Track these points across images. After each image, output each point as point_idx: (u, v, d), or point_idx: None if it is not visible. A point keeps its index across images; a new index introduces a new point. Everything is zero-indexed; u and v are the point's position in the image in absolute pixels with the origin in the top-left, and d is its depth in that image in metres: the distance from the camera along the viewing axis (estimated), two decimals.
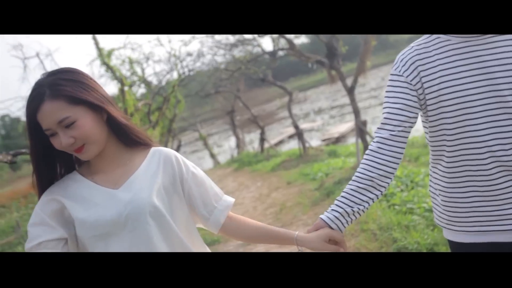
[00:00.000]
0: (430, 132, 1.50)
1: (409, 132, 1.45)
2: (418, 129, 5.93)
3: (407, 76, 1.44)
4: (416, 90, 1.43)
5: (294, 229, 4.98)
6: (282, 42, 9.64)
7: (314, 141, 15.89)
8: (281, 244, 1.55)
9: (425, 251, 3.13)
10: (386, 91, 1.50)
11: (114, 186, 1.30)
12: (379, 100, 21.51)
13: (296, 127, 11.74)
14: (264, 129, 15.05)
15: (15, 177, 24.65)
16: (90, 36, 7.94)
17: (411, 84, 1.43)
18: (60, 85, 1.21)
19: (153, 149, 1.40)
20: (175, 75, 12.37)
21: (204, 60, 13.48)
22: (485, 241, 1.44)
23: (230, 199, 1.46)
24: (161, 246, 1.26)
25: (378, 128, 1.48)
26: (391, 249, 3.41)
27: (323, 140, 16.18)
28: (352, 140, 13.60)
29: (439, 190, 1.53)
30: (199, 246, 1.40)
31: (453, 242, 1.53)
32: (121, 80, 7.29)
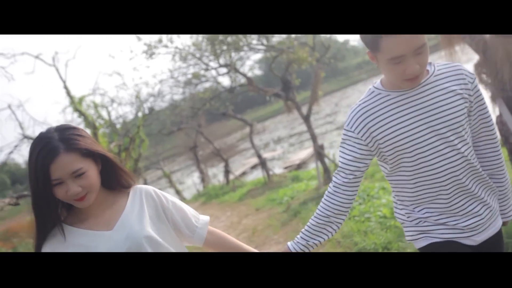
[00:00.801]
0: (389, 170, 1.70)
1: (361, 177, 1.67)
2: None
3: (358, 133, 1.62)
4: (366, 145, 1.62)
5: (268, 248, 5.42)
6: (239, 77, 10.25)
7: (276, 170, 16.21)
8: None
9: (380, 249, 3.69)
10: (341, 143, 1.70)
11: (107, 228, 1.43)
12: (335, 125, 22.31)
13: (259, 156, 12.16)
14: (228, 161, 15.42)
15: None
16: (60, 85, 8.30)
17: (361, 139, 1.62)
18: (74, 140, 1.36)
19: (133, 188, 1.55)
20: (138, 115, 12.80)
21: (164, 99, 13.94)
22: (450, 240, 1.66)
23: (207, 217, 1.70)
24: None
25: (335, 172, 1.70)
26: (353, 251, 3.94)
27: (285, 168, 16.50)
28: (313, 165, 13.98)
29: (408, 213, 1.73)
30: None
31: (424, 246, 1.71)
32: (93, 124, 7.63)
